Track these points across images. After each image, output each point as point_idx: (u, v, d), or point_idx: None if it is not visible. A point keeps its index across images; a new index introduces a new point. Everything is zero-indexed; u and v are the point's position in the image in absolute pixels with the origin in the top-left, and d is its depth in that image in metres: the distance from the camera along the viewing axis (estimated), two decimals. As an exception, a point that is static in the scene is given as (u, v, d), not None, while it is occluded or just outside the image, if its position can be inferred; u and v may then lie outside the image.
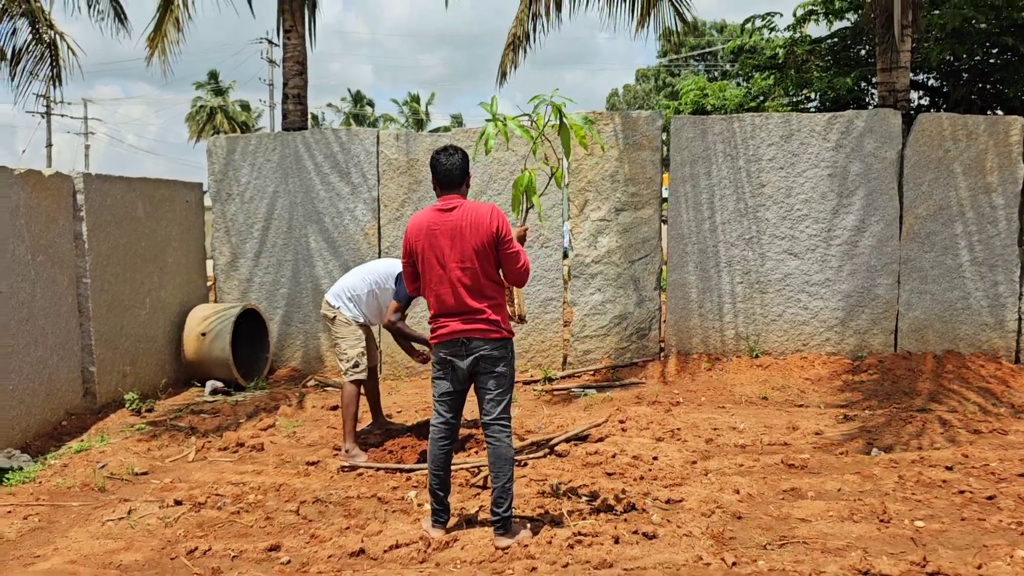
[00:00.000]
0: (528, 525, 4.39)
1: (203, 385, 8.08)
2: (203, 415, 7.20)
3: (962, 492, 5.18)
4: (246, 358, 8.40)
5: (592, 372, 8.33)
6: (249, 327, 8.45)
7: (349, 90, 64.96)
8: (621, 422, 6.84)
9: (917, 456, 5.96)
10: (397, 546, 4.25)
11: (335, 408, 7.51)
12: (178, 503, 5.08)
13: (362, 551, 4.23)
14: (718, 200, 8.24)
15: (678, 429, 6.60)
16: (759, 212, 8.19)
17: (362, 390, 6.27)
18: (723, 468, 5.72)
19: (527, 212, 4.56)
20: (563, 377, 8.27)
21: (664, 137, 8.89)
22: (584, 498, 5.06)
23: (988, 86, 11.98)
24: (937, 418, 6.80)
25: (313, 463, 5.97)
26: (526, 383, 8.23)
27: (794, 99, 14.99)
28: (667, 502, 5.03)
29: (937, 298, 8.03)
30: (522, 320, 4.56)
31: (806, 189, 8.10)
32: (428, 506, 4.97)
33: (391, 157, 8.47)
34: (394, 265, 6.17)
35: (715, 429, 6.65)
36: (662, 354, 8.50)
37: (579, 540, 4.22)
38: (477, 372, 4.20)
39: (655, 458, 5.90)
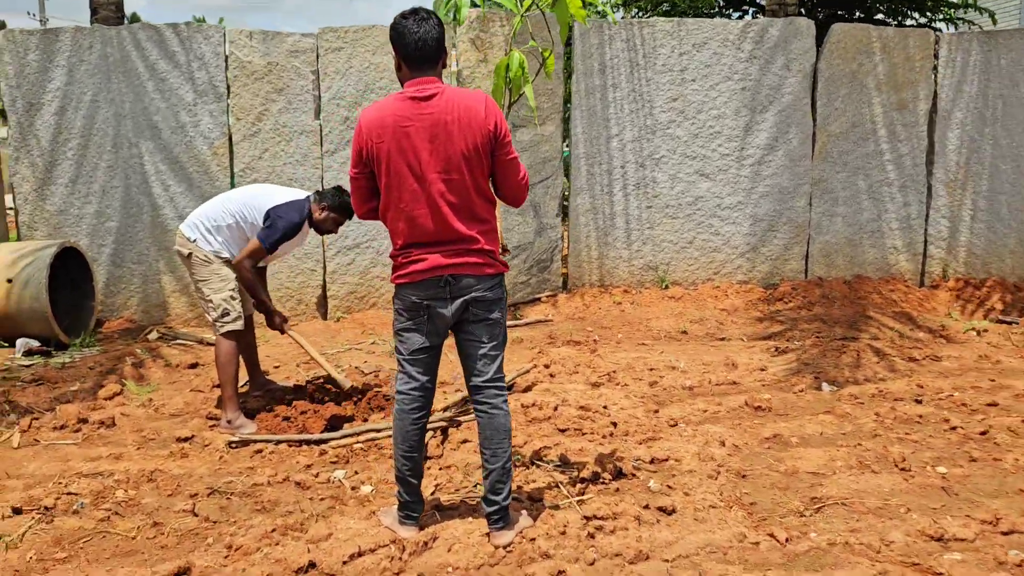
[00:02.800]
0: (523, 510, 3.43)
1: (11, 345, 6.38)
2: (20, 384, 5.60)
3: (953, 428, 4.74)
4: (65, 309, 6.74)
5: (490, 311, 7.36)
6: (66, 271, 6.77)
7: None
8: (546, 366, 5.97)
9: (875, 390, 5.51)
10: (359, 554, 3.14)
11: (194, 366, 6.14)
12: (17, 511, 3.69)
13: (312, 565, 3.09)
14: (626, 115, 7.41)
15: (613, 372, 5.83)
16: (669, 129, 7.45)
17: None
18: (688, 416, 5.00)
19: (510, 106, 3.48)
20: (460, 317, 7.26)
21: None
22: (552, 463, 4.16)
23: None
24: (869, 347, 6.42)
25: (186, 439, 4.68)
26: (417, 326, 7.15)
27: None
28: (651, 462, 4.24)
29: (848, 220, 7.68)
30: (504, 251, 3.52)
31: (719, 104, 7.44)
32: (365, 489, 3.92)
33: (244, 60, 6.95)
34: (265, 196, 4.85)
35: (651, 370, 5.93)
36: (565, 288, 7.67)
37: (599, 527, 3.32)
38: (465, 320, 3.12)
39: (605, 407, 5.08)
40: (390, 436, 4.51)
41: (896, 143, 7.56)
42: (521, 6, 3.50)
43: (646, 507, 3.57)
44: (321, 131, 7.11)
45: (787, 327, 7.02)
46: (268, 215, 4.77)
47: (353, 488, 3.95)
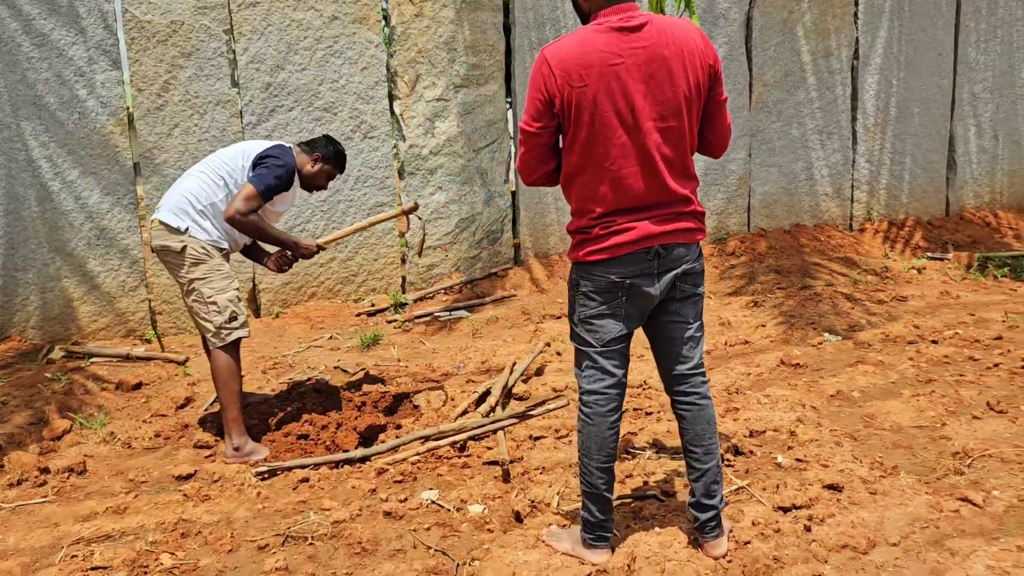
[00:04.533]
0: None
1: None
2: (-73, 432, 4.43)
3: (996, 365, 4.78)
4: (-62, 332, 5.47)
5: (445, 290, 6.76)
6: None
7: None
8: (548, 344, 5.53)
9: (881, 335, 5.52)
10: (564, 595, 2.61)
11: (138, 387, 5.13)
12: (47, 606, 2.81)
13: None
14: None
15: (619, 343, 5.47)
16: (612, 85, 7.09)
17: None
18: (738, 382, 4.73)
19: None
20: (417, 300, 6.59)
21: None
22: (649, 450, 3.76)
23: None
24: (838, 293, 6.45)
25: (188, 476, 3.86)
26: (371, 314, 6.43)
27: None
28: (750, 435, 3.93)
29: (784, 170, 7.69)
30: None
31: (659, 56, 7.16)
32: (474, 509, 3.32)
33: (143, 19, 5.86)
34: (252, 147, 4.06)
35: (655, 337, 5.62)
36: (517, 260, 7.17)
37: (809, 517, 2.95)
38: (671, 298, 2.62)
39: (645, 382, 4.73)
40: (451, 443, 3.93)
41: (824, 91, 7.64)
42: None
43: (809, 484, 3.24)
44: (240, 101, 6.16)
45: (747, 281, 6.94)
46: (259, 160, 3.96)
47: (458, 510, 3.34)
